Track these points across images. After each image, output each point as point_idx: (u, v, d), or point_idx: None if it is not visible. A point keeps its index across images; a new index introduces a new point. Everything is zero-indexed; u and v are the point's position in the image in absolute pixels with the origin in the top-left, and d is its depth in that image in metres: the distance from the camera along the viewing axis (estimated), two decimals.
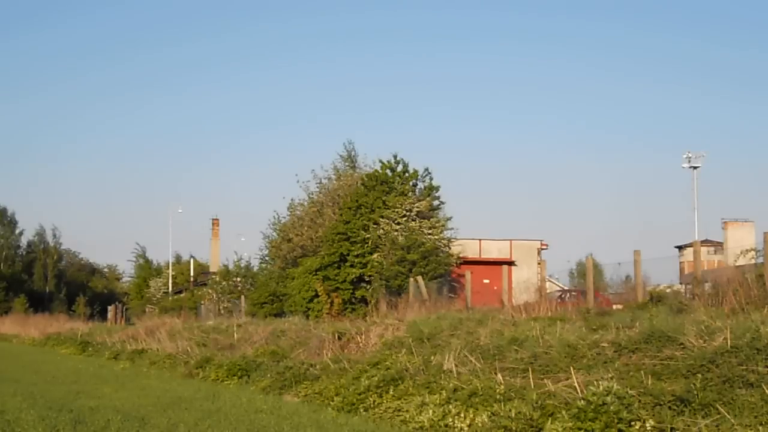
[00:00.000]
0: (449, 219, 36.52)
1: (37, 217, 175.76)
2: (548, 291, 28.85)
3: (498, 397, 9.98)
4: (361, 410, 11.67)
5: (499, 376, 10.90)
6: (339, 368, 14.65)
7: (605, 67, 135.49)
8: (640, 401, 8.57)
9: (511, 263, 40.04)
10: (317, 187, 42.05)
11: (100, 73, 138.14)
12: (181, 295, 65.00)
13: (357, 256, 33.35)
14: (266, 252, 44.60)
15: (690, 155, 59.32)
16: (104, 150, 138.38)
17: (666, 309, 13.93)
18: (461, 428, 9.58)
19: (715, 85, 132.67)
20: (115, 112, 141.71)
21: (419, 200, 35.15)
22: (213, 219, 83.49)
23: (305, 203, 42.13)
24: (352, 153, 43.62)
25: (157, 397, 14.42)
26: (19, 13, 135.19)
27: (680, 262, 43.43)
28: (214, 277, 55.63)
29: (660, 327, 10.89)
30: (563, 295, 29.62)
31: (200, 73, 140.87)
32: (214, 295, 48.39)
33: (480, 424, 9.44)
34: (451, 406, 10.22)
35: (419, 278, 27.07)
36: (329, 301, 31.65)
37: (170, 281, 73.80)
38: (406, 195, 35.19)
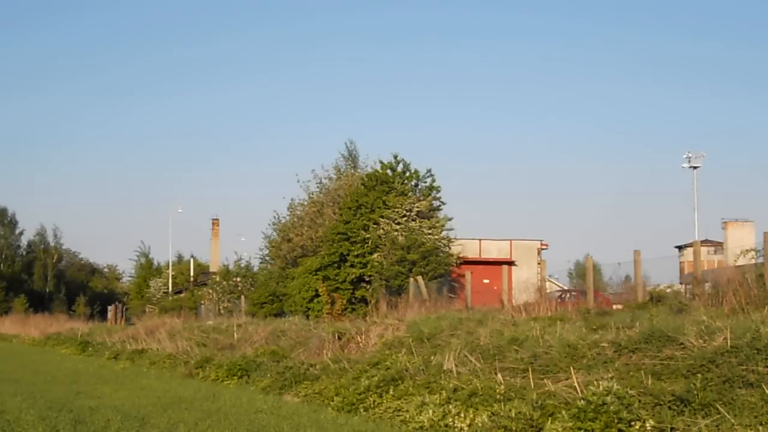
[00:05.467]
0: (450, 219, 36.53)
1: (37, 217, 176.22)
2: (548, 291, 28.81)
3: (498, 397, 9.98)
4: (361, 410, 11.67)
5: (499, 376, 10.89)
6: (339, 368, 14.64)
7: (605, 67, 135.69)
8: (640, 401, 8.57)
9: (511, 263, 40.01)
10: (317, 187, 42.13)
11: (100, 73, 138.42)
12: (181, 295, 64.94)
13: (357, 256, 33.33)
14: (266, 252, 44.66)
15: (690, 155, 59.29)
16: (104, 150, 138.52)
17: (666, 309, 13.93)
18: (461, 428, 9.57)
19: (715, 85, 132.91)
20: (115, 112, 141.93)
21: (419, 200, 35.13)
22: (213, 219, 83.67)
23: (305, 203, 42.16)
24: (354, 152, 43.71)
25: (157, 397, 14.42)
26: (19, 13, 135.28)
27: (680, 262, 43.44)
28: (214, 277, 55.59)
29: (660, 327, 10.88)
30: (563, 295, 29.58)
31: (200, 74, 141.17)
32: (214, 295, 48.35)
33: (480, 424, 9.43)
34: (451, 406, 10.22)
35: (419, 278, 27.05)
36: (330, 300, 31.61)
37: (170, 281, 73.77)
38: (406, 195, 35.17)
